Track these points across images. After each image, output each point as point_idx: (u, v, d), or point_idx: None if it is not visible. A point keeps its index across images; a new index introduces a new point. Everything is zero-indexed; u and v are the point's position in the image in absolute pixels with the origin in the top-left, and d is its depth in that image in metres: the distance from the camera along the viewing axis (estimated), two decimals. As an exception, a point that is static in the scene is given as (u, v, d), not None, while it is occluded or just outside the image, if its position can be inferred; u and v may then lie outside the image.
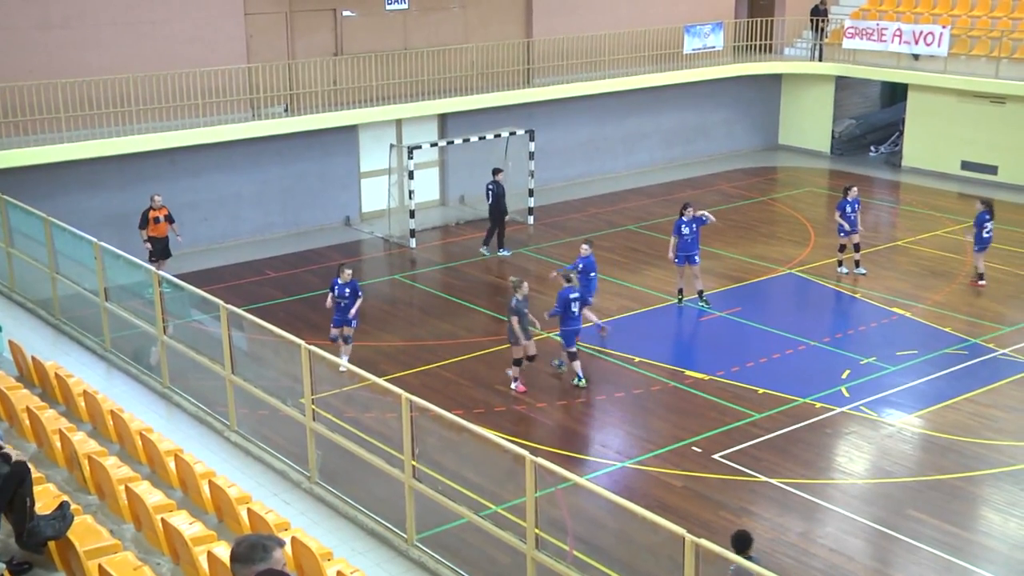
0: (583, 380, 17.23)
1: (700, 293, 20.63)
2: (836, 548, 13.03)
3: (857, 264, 22.24)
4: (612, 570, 11.83)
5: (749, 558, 9.94)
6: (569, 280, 17.54)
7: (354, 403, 15.22)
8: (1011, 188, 28.63)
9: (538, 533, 10.19)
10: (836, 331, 19.63)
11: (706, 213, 20.53)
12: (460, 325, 19.95)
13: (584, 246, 18.87)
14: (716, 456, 15.02)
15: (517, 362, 17.20)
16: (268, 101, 24.46)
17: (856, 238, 22.09)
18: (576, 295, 17.36)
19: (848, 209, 21.86)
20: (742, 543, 10.60)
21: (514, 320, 16.79)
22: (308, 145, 25.28)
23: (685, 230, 20.17)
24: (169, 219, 20.66)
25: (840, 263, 22.27)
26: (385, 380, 11.69)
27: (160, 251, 20.35)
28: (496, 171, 24.19)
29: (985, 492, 14.29)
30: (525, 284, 17.06)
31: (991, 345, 18.62)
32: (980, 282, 21.71)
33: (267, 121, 24.18)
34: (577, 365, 17.37)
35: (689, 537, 8.81)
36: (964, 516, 13.70)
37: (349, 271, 17.80)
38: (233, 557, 5.76)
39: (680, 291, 20.72)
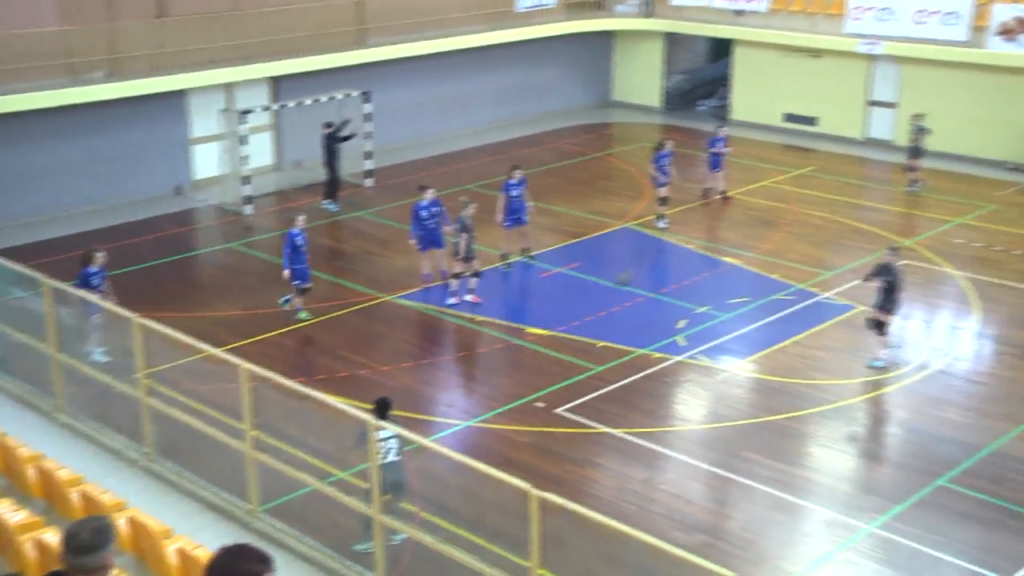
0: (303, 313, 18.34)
1: (525, 250, 20.83)
2: (677, 493, 13.45)
3: (660, 217, 22.90)
4: (460, 528, 11.94)
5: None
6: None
7: (192, 375, 14.87)
8: (830, 139, 29.80)
9: (385, 497, 10.22)
10: (671, 282, 20.15)
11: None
12: (300, 291, 19.67)
13: (300, 218, 18.44)
14: (559, 411, 15.28)
15: (476, 274, 18.87)
16: (87, 66, 23.44)
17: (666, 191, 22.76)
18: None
19: (664, 162, 22.46)
20: (383, 406, 11.36)
21: (463, 237, 18.47)
22: (134, 112, 24.39)
23: (514, 192, 20.37)
24: None
25: (661, 217, 22.81)
26: (224, 350, 11.48)
27: None
28: (327, 125, 24.30)
29: (811, 429, 14.96)
30: (473, 204, 18.81)
31: (815, 289, 19.44)
32: (718, 197, 24.35)
33: (87, 87, 23.16)
34: (296, 300, 18.23)
35: (534, 491, 8.98)
36: (793, 454, 14.32)
37: (100, 254, 16.40)
38: (78, 549, 5.02)
39: (504, 255, 20.82)
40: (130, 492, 10.29)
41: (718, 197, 24.48)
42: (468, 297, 19.01)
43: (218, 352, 11.36)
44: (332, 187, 24.50)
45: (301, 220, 18.39)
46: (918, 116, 25.52)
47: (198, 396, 13.71)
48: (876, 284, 16.36)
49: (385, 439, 10.95)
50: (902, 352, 16.81)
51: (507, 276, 20.50)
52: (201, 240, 23.24)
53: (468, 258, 18.83)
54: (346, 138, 24.48)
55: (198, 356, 13.42)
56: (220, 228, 23.77)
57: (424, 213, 19.42)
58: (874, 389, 15.97)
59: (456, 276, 18.99)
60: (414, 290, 19.58)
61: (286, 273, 18.12)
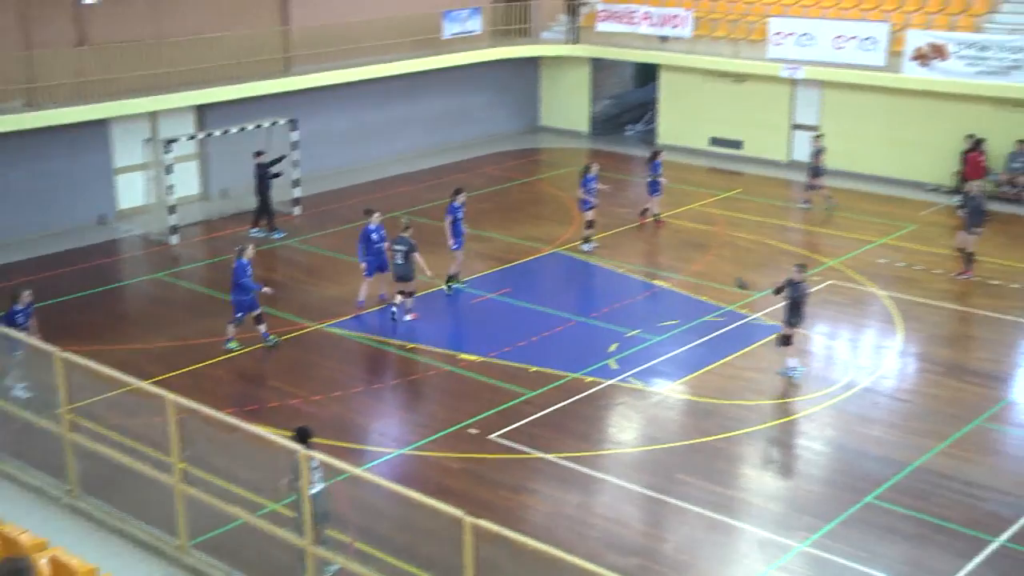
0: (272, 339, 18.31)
1: (455, 276, 20.90)
2: (611, 516, 13.46)
3: (586, 240, 23.09)
4: (394, 557, 11.82)
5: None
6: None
7: (118, 409, 14.57)
8: (755, 162, 30.26)
9: (333, 531, 10.09)
10: (602, 306, 20.23)
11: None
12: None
13: (250, 248, 18.32)
14: (492, 436, 15.23)
15: (410, 294, 19.21)
16: (5, 95, 22.98)
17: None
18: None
19: (591, 185, 22.67)
20: (303, 435, 11.27)
21: (417, 255, 18.82)
22: (55, 141, 23.97)
23: (460, 215, 20.43)
24: None
25: (586, 240, 23.01)
26: (150, 383, 11.28)
27: None
28: (258, 153, 24.14)
29: (743, 450, 15.09)
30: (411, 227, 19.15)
31: (744, 311, 19.65)
32: (642, 218, 24.71)
33: (5, 116, 22.69)
34: (231, 328, 18.11)
35: (467, 519, 8.94)
36: (726, 475, 14.42)
37: (27, 293, 16.35)
38: None
39: (451, 277, 20.86)
40: (52, 531, 10.03)
41: (651, 220, 24.72)
42: (408, 317, 19.17)
43: (144, 385, 11.15)
44: (263, 215, 24.26)
45: (251, 250, 18.18)
46: (818, 137, 26.32)
47: (124, 430, 13.44)
48: (783, 297, 16.88)
49: (312, 469, 10.83)
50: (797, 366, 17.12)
51: (437, 303, 20.41)
52: (126, 271, 22.86)
53: (410, 278, 19.02)
54: (276, 175, 24.32)
55: (124, 389, 13.17)
56: (146, 258, 23.42)
57: (375, 236, 19.48)
58: (803, 408, 16.17)
59: (410, 294, 19.20)
60: (344, 318, 19.46)
61: (268, 290, 18.17)
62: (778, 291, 17.05)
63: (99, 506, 10.77)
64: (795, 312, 16.81)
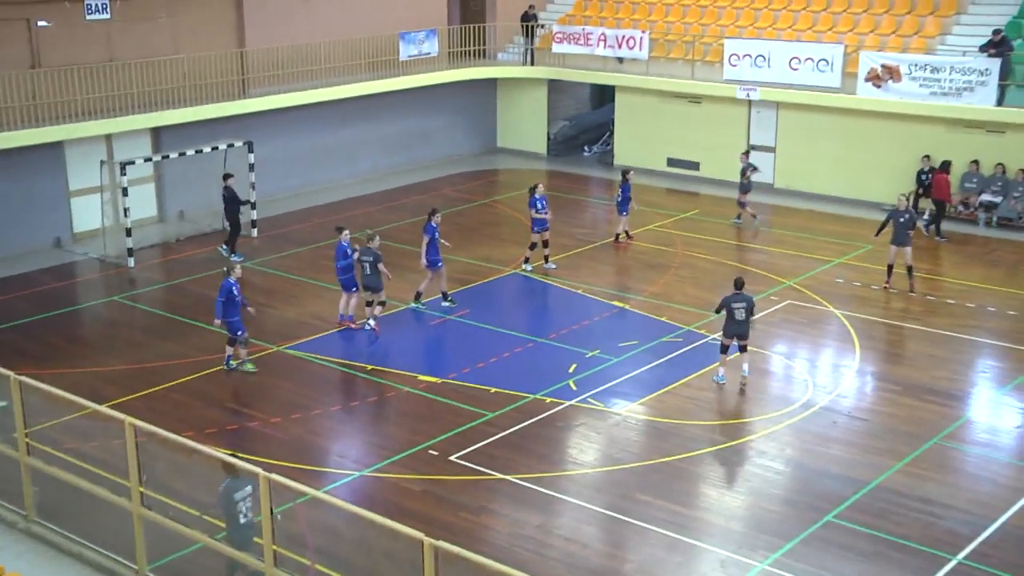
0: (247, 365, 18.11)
1: (419, 296, 21.05)
2: (572, 537, 13.47)
3: (546, 259, 23.22)
4: (355, 581, 11.76)
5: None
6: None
7: (75, 433, 14.42)
8: (712, 183, 30.51)
9: (276, 550, 10.03)
10: (561, 327, 20.28)
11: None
12: (187, 344, 19.30)
13: (237, 267, 18.40)
14: (453, 457, 15.21)
15: (382, 303, 19.79)
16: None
17: (547, 234, 23.08)
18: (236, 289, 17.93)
19: (539, 206, 22.77)
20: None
21: (381, 266, 19.39)
22: (8, 164, 23.72)
23: (436, 234, 20.63)
24: None
25: (546, 258, 23.15)
26: (108, 406, 11.17)
27: None
28: (226, 176, 23.95)
29: (703, 470, 15.16)
30: (377, 237, 19.67)
31: (702, 331, 19.78)
32: (629, 239, 24.96)
33: (-43, 139, 22.52)
34: (239, 351, 18.07)
35: (427, 540, 8.93)
36: (687, 495, 14.48)
37: None
38: None
39: (418, 295, 20.97)
40: (8, 557, 9.91)
41: (611, 240, 24.89)
42: (371, 323, 19.68)
43: (102, 408, 11.04)
44: (232, 236, 24.09)
45: (239, 270, 18.09)
46: (745, 153, 26.91)
47: (82, 454, 13.30)
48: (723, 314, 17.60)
49: (243, 499, 10.71)
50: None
51: (396, 324, 20.38)
52: (83, 294, 22.62)
53: (379, 288, 19.54)
54: (246, 200, 24.26)
55: (81, 413, 13.03)
56: (102, 281, 23.20)
57: (349, 251, 19.71)
58: (763, 428, 16.28)
59: (381, 303, 19.74)
60: (302, 340, 19.38)
61: (218, 323, 17.88)
62: (718, 311, 17.69)
63: (56, 531, 10.64)
64: (727, 323, 17.42)
